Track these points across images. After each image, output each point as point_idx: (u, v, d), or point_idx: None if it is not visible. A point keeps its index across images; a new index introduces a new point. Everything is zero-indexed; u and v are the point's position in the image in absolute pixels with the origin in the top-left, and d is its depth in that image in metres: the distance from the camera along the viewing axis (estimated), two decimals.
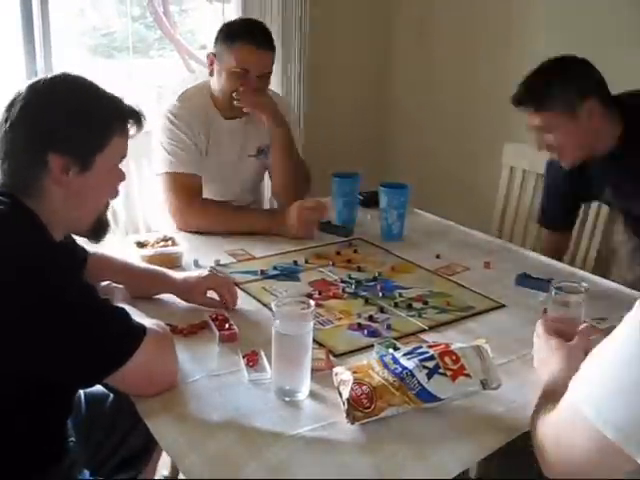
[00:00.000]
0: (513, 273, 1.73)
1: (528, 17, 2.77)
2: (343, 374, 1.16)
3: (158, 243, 1.80)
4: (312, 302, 1.21)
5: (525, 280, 1.67)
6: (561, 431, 0.92)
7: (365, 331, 1.44)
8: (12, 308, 1.02)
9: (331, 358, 1.33)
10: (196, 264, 1.76)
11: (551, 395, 1.03)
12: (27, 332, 1.03)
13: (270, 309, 1.53)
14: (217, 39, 2.11)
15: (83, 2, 3.06)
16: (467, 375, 1.13)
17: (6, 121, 1.15)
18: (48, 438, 1.20)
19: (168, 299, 1.59)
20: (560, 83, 1.71)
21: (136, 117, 1.26)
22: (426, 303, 1.59)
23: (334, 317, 1.51)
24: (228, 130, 2.17)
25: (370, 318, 1.50)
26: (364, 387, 1.12)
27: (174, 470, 2.03)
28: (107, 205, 1.32)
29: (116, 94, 1.25)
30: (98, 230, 1.31)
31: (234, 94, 2.06)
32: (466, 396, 1.16)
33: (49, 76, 1.21)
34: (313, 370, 1.23)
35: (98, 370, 1.12)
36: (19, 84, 1.20)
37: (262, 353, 1.31)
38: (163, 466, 2.07)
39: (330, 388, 1.23)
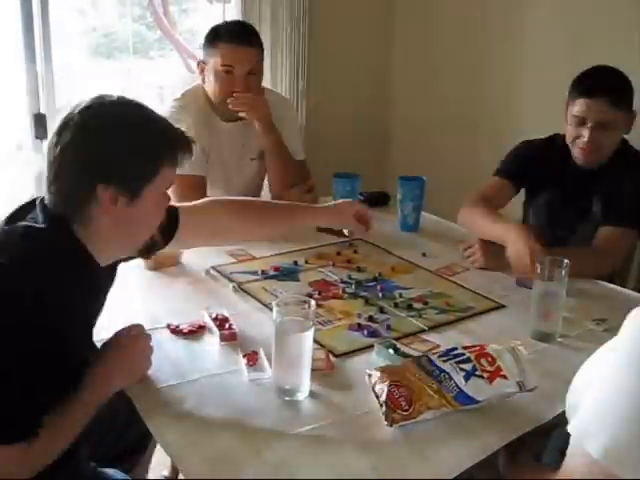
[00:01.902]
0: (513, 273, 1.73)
1: (531, 14, 2.77)
2: (377, 376, 1.16)
3: None
4: (312, 302, 1.22)
5: (525, 280, 1.67)
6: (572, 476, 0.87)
7: (365, 331, 1.44)
8: None
9: (331, 358, 1.33)
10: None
11: None
12: None
13: (270, 309, 1.54)
14: (203, 45, 2.12)
15: (83, 2, 3.06)
16: (504, 377, 1.14)
17: (56, 145, 1.12)
18: None
19: (169, 299, 1.59)
20: (629, 91, 1.82)
21: (186, 144, 1.22)
22: (426, 303, 1.59)
23: (334, 317, 1.51)
24: (228, 133, 2.17)
25: (370, 318, 1.50)
26: (402, 389, 1.12)
27: (174, 470, 2.03)
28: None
29: (165, 120, 1.22)
30: (149, 248, 1.31)
31: (228, 100, 2.06)
32: (503, 398, 1.15)
33: (102, 100, 1.18)
34: (313, 370, 1.23)
35: None
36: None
37: (262, 353, 1.31)
38: (163, 466, 2.08)
39: (330, 388, 1.23)
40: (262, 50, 2.13)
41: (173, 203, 1.41)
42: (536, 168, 1.99)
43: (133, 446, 1.52)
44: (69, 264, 1.13)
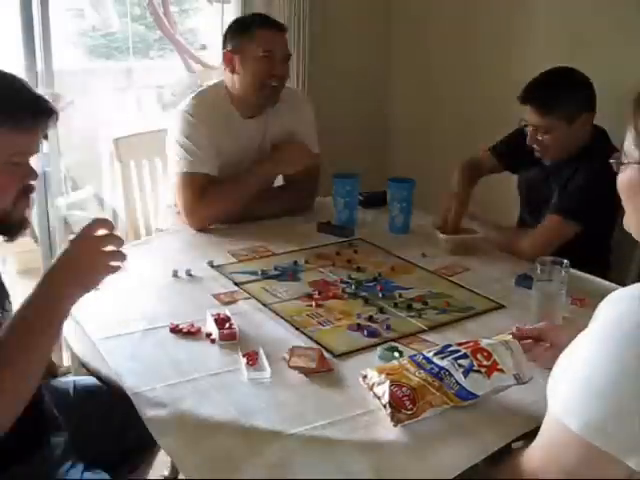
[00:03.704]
0: (513, 273, 1.74)
1: (528, 17, 2.77)
2: (374, 376, 1.16)
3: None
4: None
5: (525, 280, 1.67)
6: (551, 451, 0.90)
7: (365, 331, 1.44)
8: None
9: (327, 358, 1.32)
10: (175, 274, 1.72)
11: None
12: None
13: (270, 309, 1.54)
14: (231, 36, 2.12)
15: (83, 2, 3.06)
16: (501, 370, 1.15)
17: None
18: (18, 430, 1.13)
19: (168, 299, 1.59)
20: (566, 96, 1.90)
21: (35, 108, 1.14)
22: (426, 303, 1.59)
23: (334, 317, 1.51)
24: (246, 129, 2.17)
25: (370, 318, 1.50)
26: (404, 388, 1.12)
27: (174, 470, 2.03)
28: (17, 202, 1.19)
29: (17, 84, 1.15)
30: (7, 229, 1.20)
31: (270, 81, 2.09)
32: (500, 391, 1.16)
33: None
34: (312, 371, 1.23)
35: None
36: None
37: (262, 352, 1.31)
38: (163, 466, 2.08)
39: (330, 388, 1.23)
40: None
41: None
42: (523, 152, 2.10)
43: (138, 443, 1.48)
44: None
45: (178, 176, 2.08)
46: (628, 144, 0.96)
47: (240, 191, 2.07)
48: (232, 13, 2.91)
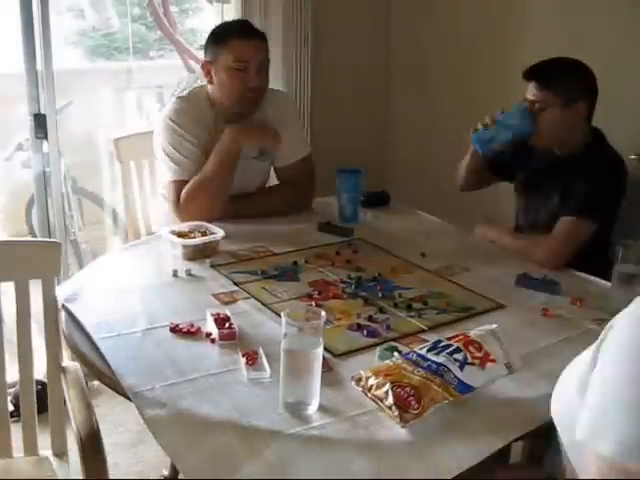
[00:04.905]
0: (513, 273, 1.74)
1: (527, 17, 2.77)
2: (371, 378, 1.16)
3: (193, 233, 1.85)
4: (323, 313, 1.16)
5: (525, 280, 1.67)
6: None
7: (364, 331, 1.44)
8: None
9: (327, 358, 1.31)
10: (175, 274, 1.72)
11: None
12: None
13: (270, 309, 1.54)
14: (208, 46, 2.11)
15: (83, 2, 3.07)
16: (492, 360, 1.17)
17: None
18: None
19: (169, 299, 1.59)
20: (568, 78, 1.96)
21: None
22: (425, 303, 1.59)
23: (333, 317, 1.50)
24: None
25: (369, 318, 1.50)
26: (407, 388, 1.12)
27: (174, 470, 2.03)
28: None
29: None
30: None
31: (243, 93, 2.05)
32: (494, 381, 1.19)
33: None
34: None
35: None
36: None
37: (261, 352, 1.31)
38: (163, 466, 2.08)
39: (330, 388, 1.23)
40: (267, 45, 2.13)
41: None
42: (513, 155, 2.13)
43: None
44: None
45: (168, 184, 2.09)
46: None
47: (217, 173, 2.03)
48: (232, 13, 2.91)
